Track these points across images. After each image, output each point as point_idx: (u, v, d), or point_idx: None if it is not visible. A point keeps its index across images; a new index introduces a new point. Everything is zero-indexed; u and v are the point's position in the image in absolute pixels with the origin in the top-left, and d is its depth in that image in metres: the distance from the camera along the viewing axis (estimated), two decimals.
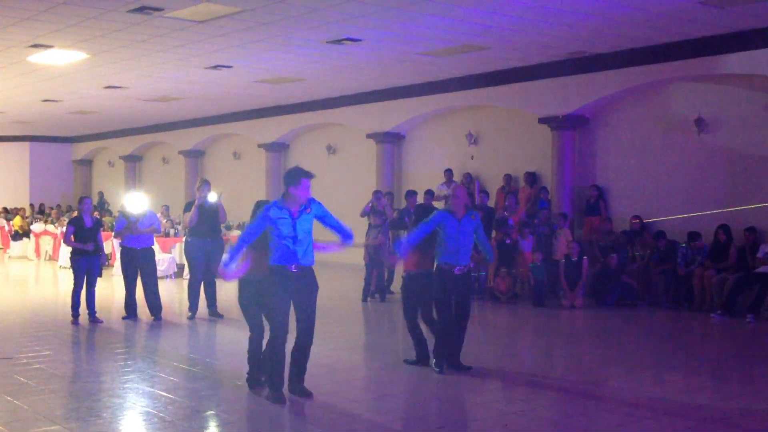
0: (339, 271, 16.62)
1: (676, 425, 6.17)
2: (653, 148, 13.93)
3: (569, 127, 14.81)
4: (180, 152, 25.20)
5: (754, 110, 12.69)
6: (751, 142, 12.71)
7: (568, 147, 14.84)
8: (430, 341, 7.99)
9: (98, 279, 11.09)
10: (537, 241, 13.83)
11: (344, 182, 19.40)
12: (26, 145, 29.32)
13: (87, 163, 30.56)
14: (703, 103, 13.25)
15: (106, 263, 17.21)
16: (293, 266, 6.60)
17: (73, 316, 10.81)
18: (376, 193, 14.12)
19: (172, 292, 14.48)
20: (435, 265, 7.89)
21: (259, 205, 7.41)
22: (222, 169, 23.94)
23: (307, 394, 6.75)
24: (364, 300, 13.13)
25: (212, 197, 11.19)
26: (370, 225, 13.32)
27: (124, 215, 11.25)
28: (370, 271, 13.17)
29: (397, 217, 13.72)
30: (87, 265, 10.85)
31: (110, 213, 23.59)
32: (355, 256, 14.50)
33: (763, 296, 11.36)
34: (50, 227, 21.40)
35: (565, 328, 11.32)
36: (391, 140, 18.53)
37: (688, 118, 13.33)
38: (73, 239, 10.79)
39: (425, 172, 17.74)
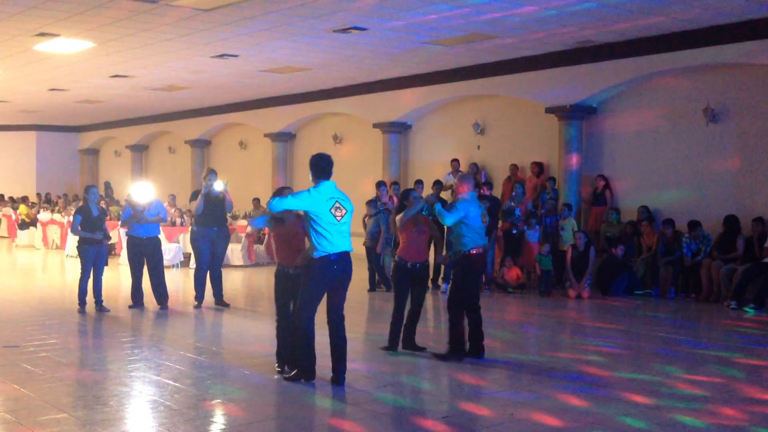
0: None
1: (684, 414, 6.16)
2: (661, 138, 13.86)
3: (576, 116, 14.74)
4: (186, 142, 25.20)
5: (763, 100, 12.60)
6: (761, 132, 12.62)
7: (576, 137, 14.77)
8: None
9: (105, 268, 11.11)
10: (544, 232, 13.80)
11: (350, 172, 19.33)
12: (33, 134, 29.36)
13: (93, 152, 30.58)
14: (711, 92, 13.17)
15: (113, 252, 17.29)
16: None
17: (79, 304, 10.84)
18: (380, 184, 14.11)
19: (179, 281, 14.52)
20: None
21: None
22: (228, 159, 23.95)
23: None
24: (372, 290, 13.14)
25: (218, 186, 11.19)
26: (369, 215, 13.24)
27: (130, 204, 11.27)
28: (371, 261, 13.16)
29: (398, 206, 13.68)
30: (94, 254, 10.87)
31: (117, 202, 23.64)
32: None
33: None
34: (57, 216, 21.45)
35: (571, 318, 11.30)
36: (397, 130, 18.48)
37: (697, 107, 13.26)
38: (80, 229, 10.81)
39: (432, 162, 17.71)
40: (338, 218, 6.76)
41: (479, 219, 8.06)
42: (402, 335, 8.37)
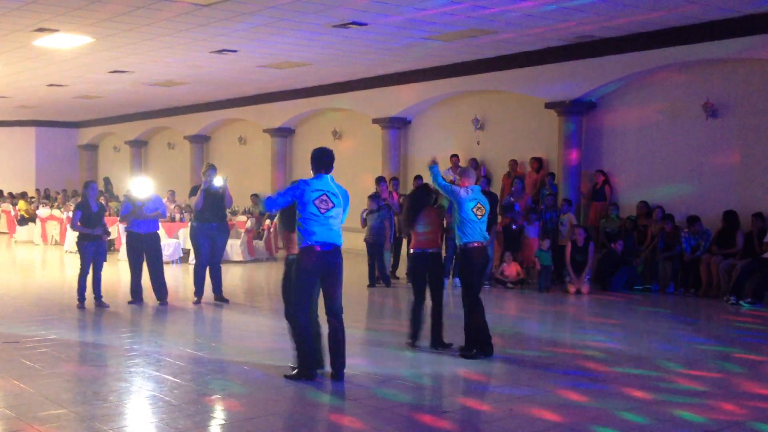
0: (346, 257, 16.58)
1: (683, 408, 6.16)
2: (661, 133, 13.85)
3: (576, 112, 14.73)
4: (185, 137, 25.17)
5: (763, 95, 12.59)
6: (760, 127, 12.62)
7: (575, 132, 14.76)
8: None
9: (104, 263, 11.11)
10: (543, 227, 13.80)
11: (350, 168, 19.31)
12: (32, 130, 29.36)
13: (92, 148, 30.57)
14: (711, 87, 13.15)
15: (112, 248, 17.28)
16: None
17: (79, 300, 10.84)
18: (379, 180, 14.06)
19: (178, 277, 14.52)
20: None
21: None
22: (227, 154, 23.93)
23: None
24: (371, 285, 13.13)
25: (218, 182, 11.19)
26: (370, 211, 13.21)
27: (129, 200, 11.26)
28: (372, 257, 13.15)
29: (403, 203, 13.65)
30: (93, 250, 10.87)
31: (116, 198, 23.61)
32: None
33: None
34: (56, 212, 21.43)
35: (570, 313, 11.30)
36: (397, 125, 18.47)
37: (696, 102, 13.25)
38: (79, 224, 10.81)
39: (431, 158, 17.66)
40: (321, 211, 6.78)
41: (471, 212, 7.98)
42: (431, 335, 8.30)
